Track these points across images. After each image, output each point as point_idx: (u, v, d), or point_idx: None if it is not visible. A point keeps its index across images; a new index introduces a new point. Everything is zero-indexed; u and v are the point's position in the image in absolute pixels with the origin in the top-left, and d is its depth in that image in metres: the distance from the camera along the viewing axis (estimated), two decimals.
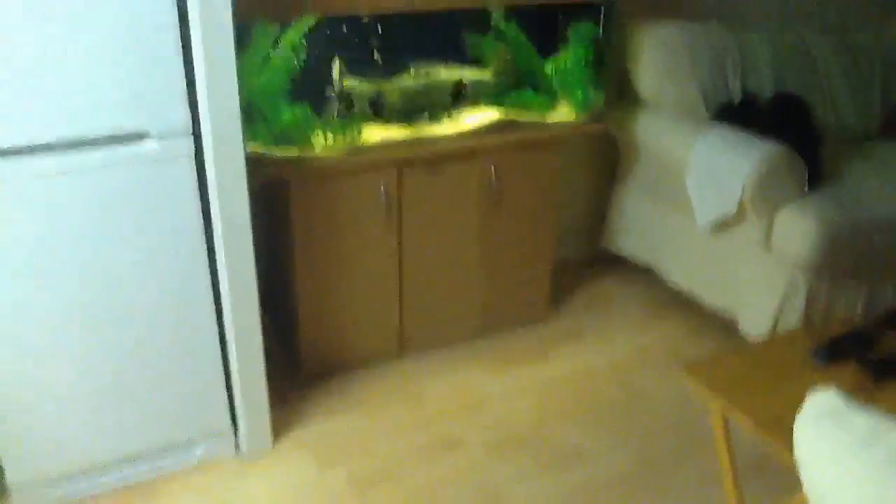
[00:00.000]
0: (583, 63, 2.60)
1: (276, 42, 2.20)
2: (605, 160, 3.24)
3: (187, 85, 1.82)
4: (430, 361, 2.69)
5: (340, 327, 2.52)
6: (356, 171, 2.35)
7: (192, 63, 1.82)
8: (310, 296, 2.43)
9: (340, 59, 2.35)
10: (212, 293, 2.02)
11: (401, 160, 2.39)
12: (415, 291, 2.60)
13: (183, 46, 1.78)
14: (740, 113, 2.86)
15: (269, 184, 2.32)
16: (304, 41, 2.24)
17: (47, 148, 1.73)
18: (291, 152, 2.27)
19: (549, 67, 2.61)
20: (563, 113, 2.66)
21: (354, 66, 2.39)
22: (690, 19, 2.95)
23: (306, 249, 2.37)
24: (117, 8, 1.68)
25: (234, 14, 1.79)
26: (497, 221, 2.64)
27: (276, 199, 2.45)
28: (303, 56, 2.25)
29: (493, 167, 2.54)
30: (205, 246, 1.97)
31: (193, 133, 1.87)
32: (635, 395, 2.54)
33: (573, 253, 3.33)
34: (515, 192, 2.63)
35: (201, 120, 1.86)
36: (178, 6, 1.75)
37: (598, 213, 3.32)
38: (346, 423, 2.38)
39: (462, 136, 2.47)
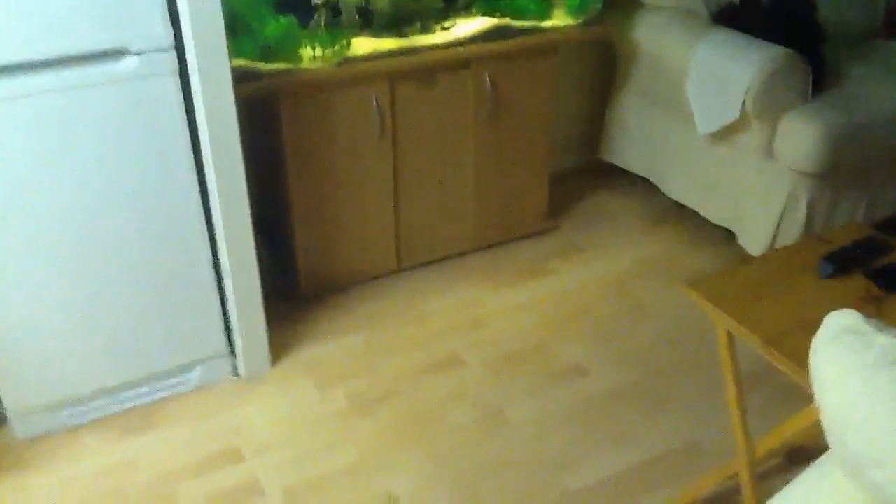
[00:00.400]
0: None
1: None
2: (602, 66, 3.14)
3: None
4: (429, 276, 2.66)
5: (337, 244, 2.48)
6: (347, 84, 2.25)
7: None
8: (305, 213, 2.37)
9: None
10: (203, 214, 1.97)
11: (393, 72, 2.29)
12: (411, 205, 2.55)
13: None
14: (741, 13, 2.75)
15: (257, 99, 2.24)
16: None
17: (17, 68, 1.63)
18: (279, 66, 2.17)
19: None
20: (559, 17, 2.55)
21: None
22: None
23: (299, 165, 2.30)
24: None
25: None
26: (493, 132, 2.56)
27: (265, 116, 2.36)
28: None
29: (487, 76, 2.45)
30: (193, 165, 1.90)
31: (176, 48, 1.77)
32: (636, 308, 2.53)
33: (569, 163, 3.27)
34: (511, 101, 2.55)
35: (184, 33, 1.76)
36: None
37: (594, 122, 3.24)
38: (346, 343, 2.37)
39: (455, 44, 2.37)
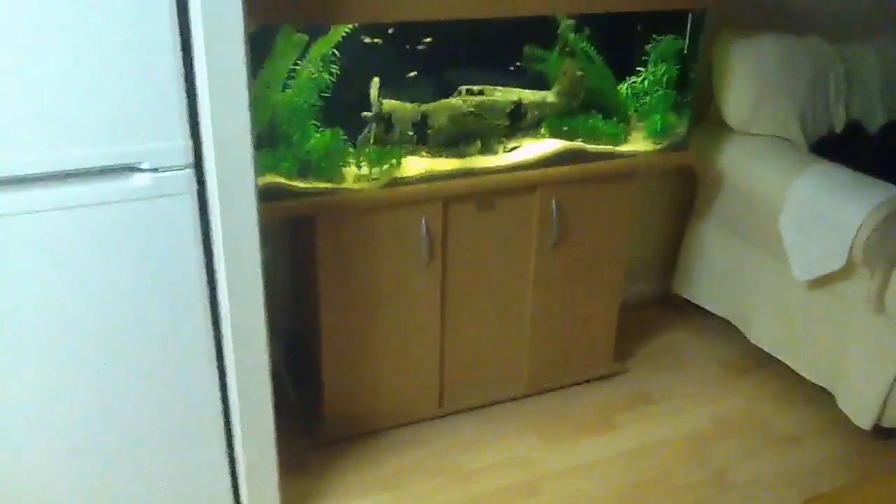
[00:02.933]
0: (664, 83, 2.21)
1: (303, 53, 1.86)
2: (679, 189, 2.84)
3: (189, 106, 1.49)
4: (475, 424, 2.32)
5: (371, 382, 2.17)
6: (394, 206, 1.99)
7: (194, 80, 1.49)
8: (336, 346, 2.08)
9: (379, 75, 2.00)
10: (213, 348, 1.69)
11: (446, 194, 2.03)
12: (459, 342, 2.24)
13: (185, 57, 1.45)
14: (844, 144, 2.45)
15: (294, 220, 1.99)
16: (336, 53, 1.89)
17: (20, 181, 1.41)
18: (319, 183, 1.93)
19: (624, 88, 2.22)
20: (637, 141, 2.27)
21: (395, 85, 2.04)
22: (786, 30, 2.52)
23: (333, 294, 2.02)
24: (101, 11, 1.35)
25: (249, 18, 1.45)
26: (556, 264, 2.26)
27: (301, 236, 2.11)
28: (335, 70, 1.90)
29: (553, 203, 2.16)
30: (207, 297, 1.63)
31: (196, 164, 1.53)
32: (717, 477, 2.14)
33: (637, 294, 2.94)
34: (579, 229, 2.25)
35: (204, 149, 1.52)
36: (177, 4, 1.41)
37: (668, 249, 2.92)
38: (374, 500, 2.02)
39: (519, 166, 2.10)
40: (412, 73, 2.08)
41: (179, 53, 1.43)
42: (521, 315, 2.29)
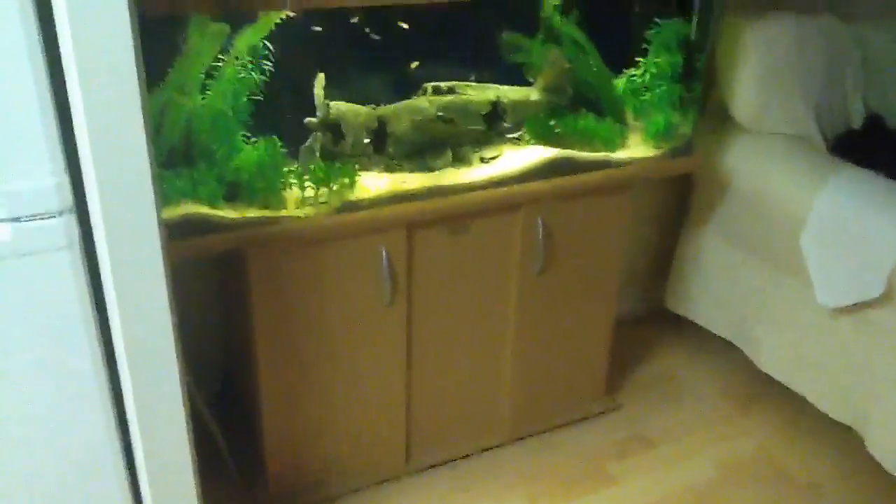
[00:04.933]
0: (668, 76, 1.85)
1: (225, 47, 1.45)
2: (671, 192, 2.50)
3: (63, 128, 1.08)
4: (448, 481, 1.96)
5: (323, 440, 1.79)
6: (348, 236, 1.61)
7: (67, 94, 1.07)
8: (278, 403, 1.70)
9: (325, 72, 1.60)
10: (120, 446, 1.29)
11: (411, 218, 1.65)
12: (428, 389, 1.87)
13: (55, 62, 1.04)
14: (866, 142, 2.13)
15: (217, 256, 1.59)
16: (268, 45, 1.49)
17: None
18: (252, 211, 1.53)
19: (620, 82, 1.86)
20: (635, 145, 1.92)
21: (345, 83, 1.64)
22: (796, 9, 2.18)
23: (272, 342, 1.63)
24: None
25: (141, 6, 1.04)
26: (542, 293, 1.91)
27: (230, 268, 1.72)
28: (268, 67, 1.51)
29: (539, 222, 1.80)
30: (105, 380, 1.23)
31: (77, 208, 1.12)
32: None
33: (624, 311, 2.60)
34: (568, 254, 1.89)
35: (85, 185, 1.11)
36: None
37: (659, 259, 2.58)
38: None
39: (498, 181, 1.73)
40: (366, 68, 1.69)
41: (41, 56, 1.01)
42: (501, 353, 1.94)
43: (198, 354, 1.95)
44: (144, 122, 1.05)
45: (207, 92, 1.47)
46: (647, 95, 1.86)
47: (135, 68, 1.01)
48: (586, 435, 2.13)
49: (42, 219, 1.08)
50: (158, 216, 1.11)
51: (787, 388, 2.14)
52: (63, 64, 1.02)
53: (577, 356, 2.07)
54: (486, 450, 2.04)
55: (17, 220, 1.07)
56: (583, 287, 1.96)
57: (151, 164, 1.08)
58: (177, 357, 1.21)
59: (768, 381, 2.23)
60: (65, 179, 1.08)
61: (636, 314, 2.62)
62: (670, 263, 2.46)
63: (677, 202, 2.48)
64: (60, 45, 1.01)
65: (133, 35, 1.00)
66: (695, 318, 2.40)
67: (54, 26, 1.01)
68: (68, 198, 1.09)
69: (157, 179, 1.37)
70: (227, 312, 1.92)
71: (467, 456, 2.02)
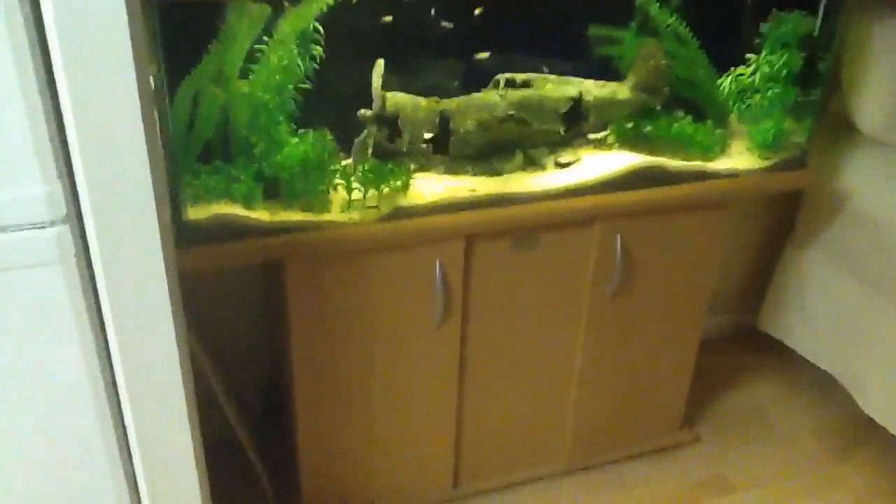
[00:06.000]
0: (783, 77, 1.59)
1: (269, 29, 1.28)
2: (773, 201, 2.22)
3: (59, 130, 0.93)
4: None
5: (361, 462, 1.64)
6: (399, 246, 1.43)
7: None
8: (315, 422, 1.55)
9: (385, 58, 1.41)
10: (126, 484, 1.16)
11: (471, 228, 1.46)
12: (481, 414, 1.69)
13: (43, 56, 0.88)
14: None
15: (262, 265, 1.44)
16: (319, 29, 1.32)
17: None
18: (292, 214, 1.37)
19: (725, 83, 1.60)
20: (737, 154, 1.66)
21: (406, 72, 1.45)
22: None
23: (309, 359, 1.48)
24: None
25: None
26: (615, 317, 1.69)
27: (271, 278, 1.57)
28: (317, 54, 1.33)
29: (618, 240, 1.58)
30: (106, 409, 1.09)
31: (77, 215, 0.98)
32: None
33: (711, 328, 2.35)
34: (648, 275, 1.67)
35: (79, 192, 0.96)
36: None
37: (755, 274, 2.31)
38: None
39: (575, 190, 1.51)
40: (431, 56, 1.50)
41: (25, 42, 0.86)
42: (566, 380, 1.74)
43: (244, 361, 1.83)
44: (144, 119, 0.88)
45: (248, 80, 1.31)
46: (757, 98, 1.60)
47: (131, 57, 0.85)
48: (656, 471, 1.91)
49: (31, 229, 0.94)
50: (163, 227, 0.95)
51: (893, 436, 1.87)
52: (51, 54, 0.87)
53: (653, 385, 1.85)
54: (542, 479, 1.86)
55: (7, 230, 0.94)
56: (663, 312, 1.74)
57: (155, 167, 0.92)
58: (184, 389, 1.06)
59: (871, 424, 1.95)
60: (57, 187, 0.93)
61: (723, 332, 2.36)
62: (767, 280, 2.20)
63: (781, 213, 2.20)
64: (46, 31, 0.86)
65: (130, 18, 0.83)
66: (792, 344, 2.13)
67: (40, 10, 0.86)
68: (61, 207, 0.95)
69: (173, 181, 1.23)
70: (271, 317, 1.79)
71: (521, 483, 1.84)
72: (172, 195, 1.27)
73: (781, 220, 2.20)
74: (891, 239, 1.77)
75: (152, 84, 1.22)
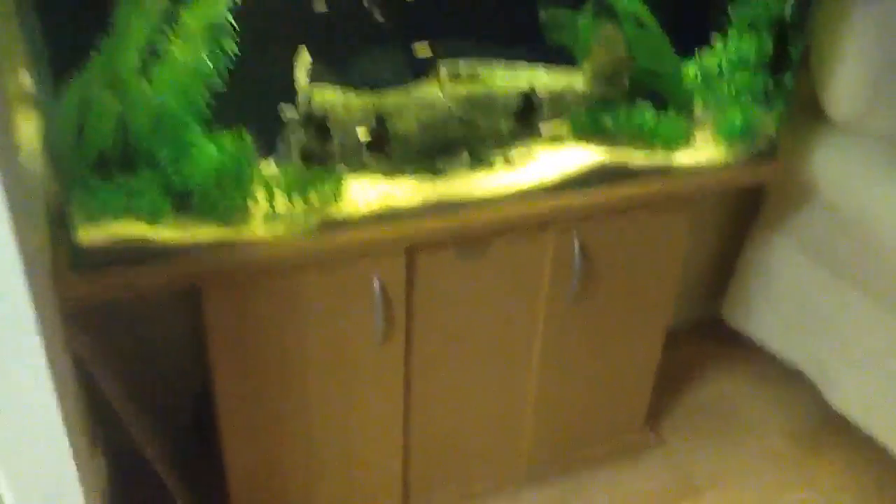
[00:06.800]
0: (752, 62, 1.45)
1: (172, 16, 1.11)
2: (736, 190, 2.10)
3: None
4: None
5: (302, 489, 1.51)
6: (330, 263, 1.28)
7: None
8: (246, 459, 1.41)
9: (309, 50, 1.24)
10: None
11: (413, 239, 1.31)
12: (430, 433, 1.57)
13: None
14: None
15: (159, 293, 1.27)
16: (230, 21, 1.14)
17: None
18: (205, 231, 1.20)
19: (690, 69, 1.46)
20: (702, 146, 1.53)
21: (335, 65, 1.28)
22: None
23: (235, 392, 1.33)
24: None
25: None
26: (575, 324, 1.57)
27: (190, 306, 1.41)
28: (232, 45, 1.16)
29: (576, 244, 1.44)
30: None
31: None
32: None
33: (675, 319, 2.24)
34: (610, 279, 1.54)
35: None
36: None
37: (717, 262, 2.21)
38: None
39: (527, 191, 1.37)
40: (364, 44, 1.33)
41: None
42: (523, 389, 1.61)
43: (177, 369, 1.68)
44: None
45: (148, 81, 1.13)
46: (724, 85, 1.46)
47: None
48: (620, 477, 1.81)
49: None
50: (27, 255, 0.79)
51: (866, 434, 1.79)
52: None
53: (615, 388, 1.74)
54: (501, 490, 1.74)
55: None
56: (626, 315, 1.62)
57: (14, 186, 0.76)
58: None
59: (841, 420, 1.87)
60: None
61: (685, 324, 2.26)
62: (731, 268, 2.09)
63: (746, 198, 2.09)
64: None
65: None
66: (757, 337, 2.04)
67: None
68: None
69: (62, 198, 1.06)
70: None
71: (478, 496, 1.72)
72: (61, 215, 1.10)
73: (746, 206, 2.08)
74: (861, 227, 1.66)
75: (27, 87, 1.05)
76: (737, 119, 1.48)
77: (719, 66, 1.43)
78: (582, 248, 1.46)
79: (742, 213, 2.10)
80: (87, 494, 0.97)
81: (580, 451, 1.79)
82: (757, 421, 1.99)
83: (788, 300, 1.92)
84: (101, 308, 1.40)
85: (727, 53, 1.43)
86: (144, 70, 1.11)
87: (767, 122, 1.53)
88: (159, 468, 1.44)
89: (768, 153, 1.54)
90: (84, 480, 0.96)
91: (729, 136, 1.50)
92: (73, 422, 0.94)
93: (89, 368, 1.26)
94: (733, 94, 1.46)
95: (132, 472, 1.42)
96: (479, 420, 1.60)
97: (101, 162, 1.15)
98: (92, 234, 1.13)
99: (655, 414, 1.95)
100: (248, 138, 1.23)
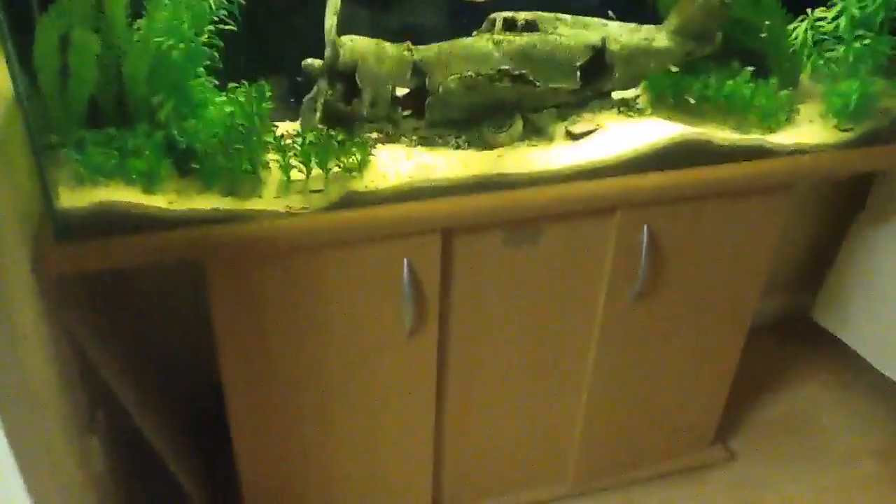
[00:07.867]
0: (874, 24, 1.19)
1: None
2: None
3: None
4: None
5: (323, 497, 1.36)
6: (353, 242, 1.10)
7: None
8: (258, 455, 1.26)
9: None
10: None
11: (451, 219, 1.12)
12: (465, 433, 1.40)
13: None
14: None
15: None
16: None
17: None
18: (209, 200, 1.03)
19: (799, 28, 1.21)
20: (805, 125, 1.28)
21: (366, 13, 1.09)
22: None
23: (247, 384, 1.18)
24: None
25: None
26: (638, 322, 1.36)
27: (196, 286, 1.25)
28: None
29: (645, 232, 1.23)
30: None
31: None
32: None
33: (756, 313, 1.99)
34: (681, 274, 1.32)
35: None
36: None
37: (810, 256, 1.95)
38: None
39: (592, 168, 1.15)
40: None
41: None
42: (573, 393, 1.42)
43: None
44: None
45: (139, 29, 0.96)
46: (839, 51, 1.20)
47: None
48: (681, 494, 1.60)
49: None
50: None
51: None
52: None
53: (681, 398, 1.52)
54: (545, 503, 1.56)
55: None
56: (697, 319, 1.40)
57: None
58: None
59: None
60: None
61: (770, 319, 2.01)
62: (827, 261, 1.83)
63: (846, 183, 1.82)
64: None
65: None
66: (854, 345, 1.79)
67: None
68: None
69: (38, 156, 0.91)
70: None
71: None
72: (40, 175, 0.95)
73: (850, 190, 1.81)
74: None
75: None
76: (851, 90, 1.22)
77: (836, 26, 1.18)
78: (651, 237, 1.24)
79: (844, 199, 1.83)
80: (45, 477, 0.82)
81: (636, 464, 1.59)
82: (842, 439, 1.75)
83: (892, 306, 1.67)
84: (110, 284, 1.27)
85: (847, 12, 1.17)
86: (134, 3, 0.94)
87: (888, 99, 1.27)
88: (168, 457, 1.31)
89: (886, 135, 1.28)
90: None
91: (841, 112, 1.24)
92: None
93: (90, 354, 1.12)
94: (850, 61, 1.20)
95: (144, 455, 1.29)
96: (520, 430, 1.41)
97: (94, 113, 1.00)
98: (76, 199, 0.97)
99: (727, 426, 1.73)
100: (265, 91, 1.06)
